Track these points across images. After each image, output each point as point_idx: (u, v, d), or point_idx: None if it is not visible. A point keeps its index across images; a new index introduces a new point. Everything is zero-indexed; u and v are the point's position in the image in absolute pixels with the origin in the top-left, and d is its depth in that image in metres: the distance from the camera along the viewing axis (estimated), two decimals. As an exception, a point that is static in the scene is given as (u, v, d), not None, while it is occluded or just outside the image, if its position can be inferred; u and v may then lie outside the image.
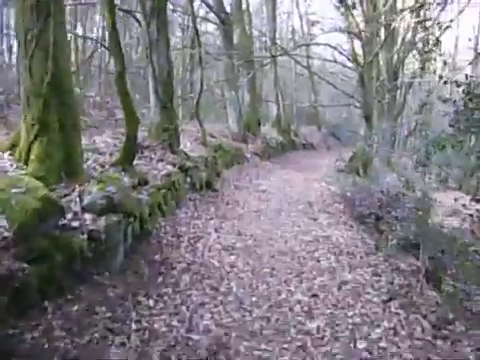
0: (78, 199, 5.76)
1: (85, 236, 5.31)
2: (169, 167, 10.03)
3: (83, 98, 14.12)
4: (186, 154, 11.79)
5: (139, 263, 6.39)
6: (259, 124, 21.18)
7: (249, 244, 8.26)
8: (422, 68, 26.86)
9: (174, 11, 20.57)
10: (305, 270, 7.14)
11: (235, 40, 19.37)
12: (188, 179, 10.78)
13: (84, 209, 5.71)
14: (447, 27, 26.06)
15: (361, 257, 7.96)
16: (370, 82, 19.49)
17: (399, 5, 23.67)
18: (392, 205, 10.90)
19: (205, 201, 10.82)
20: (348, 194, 11.55)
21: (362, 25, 18.50)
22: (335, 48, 18.68)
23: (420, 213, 10.53)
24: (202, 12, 23.15)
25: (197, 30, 14.85)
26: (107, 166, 8.02)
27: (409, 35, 25.60)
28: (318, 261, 7.63)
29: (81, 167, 6.81)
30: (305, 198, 12.84)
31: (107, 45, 8.95)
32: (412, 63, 28.45)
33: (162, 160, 10.27)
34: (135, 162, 9.09)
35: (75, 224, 5.39)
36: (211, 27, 29.57)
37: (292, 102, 27.41)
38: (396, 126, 27.30)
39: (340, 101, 33.18)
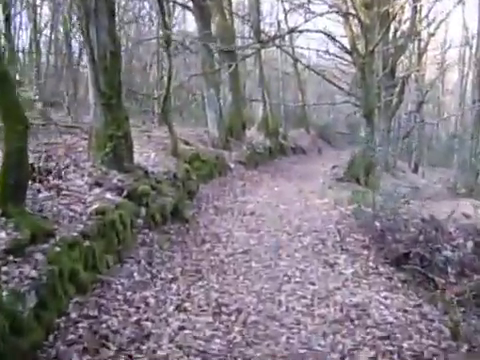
0: None
1: None
2: (109, 196, 6.08)
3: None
4: (145, 171, 7.83)
5: None
6: (244, 127, 17.04)
7: (235, 340, 4.33)
8: (419, 61, 23.43)
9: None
10: None
11: (213, 29, 15.38)
12: (142, 210, 6.80)
13: None
14: (443, 20, 22.84)
15: (441, 365, 4.09)
16: (371, 76, 15.64)
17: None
18: (439, 239, 7.10)
19: (168, 243, 6.84)
20: (377, 224, 7.62)
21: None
22: (329, 35, 14.74)
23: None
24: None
25: (163, 8, 10.85)
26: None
27: (405, 26, 22.00)
28: (369, 386, 3.74)
29: None
30: (309, 223, 9.04)
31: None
32: (407, 58, 24.90)
33: (100, 184, 6.30)
34: (46, 193, 5.13)
35: None
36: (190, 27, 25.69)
37: (279, 102, 23.38)
38: (391, 127, 23.79)
39: (327, 100, 29.42)
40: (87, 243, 4.77)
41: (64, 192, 5.46)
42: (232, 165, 14.05)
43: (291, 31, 13.88)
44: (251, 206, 10.39)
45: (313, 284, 5.87)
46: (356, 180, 14.84)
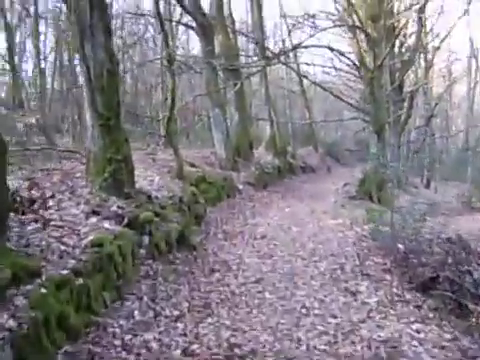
0: None
1: None
2: (108, 225, 5.50)
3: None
4: (148, 196, 7.27)
5: None
6: (251, 147, 16.46)
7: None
8: (426, 74, 22.87)
9: (142, 15, 16.29)
10: None
11: (217, 48, 14.92)
12: (145, 239, 6.21)
13: None
14: (448, 33, 22.35)
15: None
16: (380, 91, 15.10)
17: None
18: (470, 260, 6.48)
19: (174, 274, 6.21)
20: (399, 246, 6.98)
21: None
22: (336, 50, 14.26)
23: None
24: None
25: (164, 27, 10.37)
26: None
27: (412, 40, 21.51)
28: None
29: None
30: (324, 246, 8.43)
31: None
32: (413, 72, 24.35)
33: (97, 213, 5.72)
34: (35, 225, 4.57)
35: None
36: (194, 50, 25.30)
37: (287, 120, 22.81)
38: (401, 142, 23.16)
39: (335, 117, 28.83)
40: (80, 281, 4.17)
41: (56, 223, 4.88)
42: (240, 186, 13.46)
43: (297, 46, 13.38)
44: (262, 229, 9.79)
45: (335, 317, 5.23)
46: (369, 197, 14.27)
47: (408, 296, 5.94)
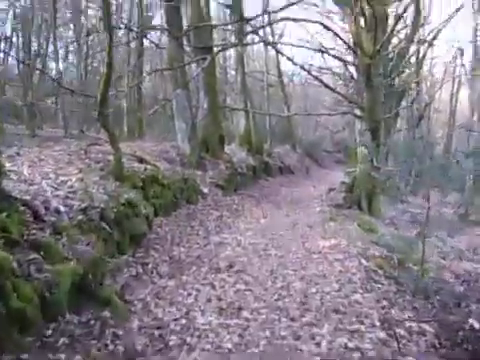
0: None
1: None
2: None
3: None
4: (34, 212, 4.01)
5: None
6: (222, 141, 13.14)
7: None
8: (418, 71, 20.03)
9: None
10: None
11: (186, 22, 11.66)
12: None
13: None
14: (440, 30, 19.64)
15: None
16: (377, 80, 12.08)
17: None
18: None
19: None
20: (475, 323, 3.79)
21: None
22: (329, 28, 11.15)
23: None
24: None
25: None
26: None
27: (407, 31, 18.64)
28: None
29: None
30: (319, 289, 5.45)
31: None
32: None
33: None
34: None
35: None
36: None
37: (265, 113, 19.49)
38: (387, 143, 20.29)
39: (313, 117, 25.88)
40: None
41: None
42: (206, 190, 10.21)
43: (281, 19, 10.15)
44: (228, 253, 6.74)
45: None
46: (358, 206, 11.45)
47: None
